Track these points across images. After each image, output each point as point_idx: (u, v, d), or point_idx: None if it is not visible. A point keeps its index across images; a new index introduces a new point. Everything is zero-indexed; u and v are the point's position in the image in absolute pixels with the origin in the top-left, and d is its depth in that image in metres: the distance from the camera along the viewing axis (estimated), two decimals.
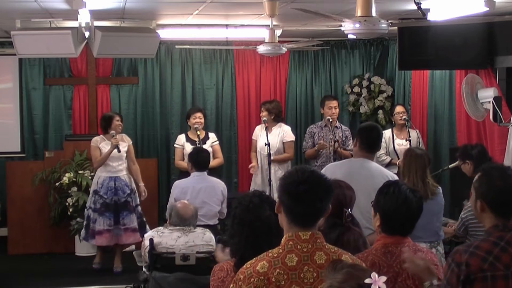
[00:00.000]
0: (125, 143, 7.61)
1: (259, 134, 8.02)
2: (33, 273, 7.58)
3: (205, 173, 6.64)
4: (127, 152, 7.59)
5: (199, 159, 6.64)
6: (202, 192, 6.40)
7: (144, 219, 7.63)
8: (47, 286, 7.16)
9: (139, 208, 7.63)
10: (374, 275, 2.11)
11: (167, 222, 5.50)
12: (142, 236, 7.36)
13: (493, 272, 2.73)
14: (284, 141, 8.04)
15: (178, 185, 6.55)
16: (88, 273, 7.57)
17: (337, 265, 2.24)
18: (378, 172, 4.75)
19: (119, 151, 7.40)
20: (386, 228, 3.29)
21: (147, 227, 7.55)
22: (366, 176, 4.62)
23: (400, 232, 3.28)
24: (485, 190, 2.86)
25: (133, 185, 7.61)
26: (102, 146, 7.45)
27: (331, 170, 4.65)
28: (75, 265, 7.88)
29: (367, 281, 2.09)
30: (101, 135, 7.58)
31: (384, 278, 2.10)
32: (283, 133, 8.05)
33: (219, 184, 6.64)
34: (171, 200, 6.46)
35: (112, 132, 7.40)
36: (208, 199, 6.40)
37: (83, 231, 7.57)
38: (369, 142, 4.82)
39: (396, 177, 4.78)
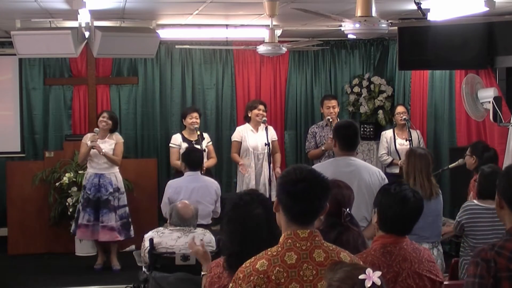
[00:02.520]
0: (112, 141, 7.60)
1: (246, 135, 7.93)
2: (33, 273, 7.58)
3: (198, 172, 6.64)
4: (114, 149, 7.58)
5: (192, 158, 6.64)
6: (195, 191, 6.37)
7: (130, 219, 7.62)
8: (47, 286, 7.15)
9: (126, 209, 7.63)
10: (368, 270, 2.12)
11: (168, 222, 5.51)
12: (124, 236, 7.50)
13: None
14: (272, 139, 8.01)
15: (171, 185, 6.53)
16: (88, 273, 7.57)
17: (336, 265, 2.26)
18: (364, 167, 4.75)
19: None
20: (383, 225, 3.29)
21: (131, 229, 7.58)
22: (353, 172, 4.61)
23: (396, 231, 3.27)
24: (504, 187, 2.87)
25: (120, 185, 7.62)
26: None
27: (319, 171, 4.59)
28: (75, 265, 7.87)
29: (361, 277, 2.11)
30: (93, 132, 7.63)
31: (378, 273, 2.10)
32: (270, 132, 8.01)
33: (213, 184, 6.63)
34: (164, 199, 6.46)
35: (96, 129, 7.48)
36: (201, 198, 6.38)
37: (73, 224, 7.64)
38: (347, 140, 4.77)
39: (382, 173, 4.79)
